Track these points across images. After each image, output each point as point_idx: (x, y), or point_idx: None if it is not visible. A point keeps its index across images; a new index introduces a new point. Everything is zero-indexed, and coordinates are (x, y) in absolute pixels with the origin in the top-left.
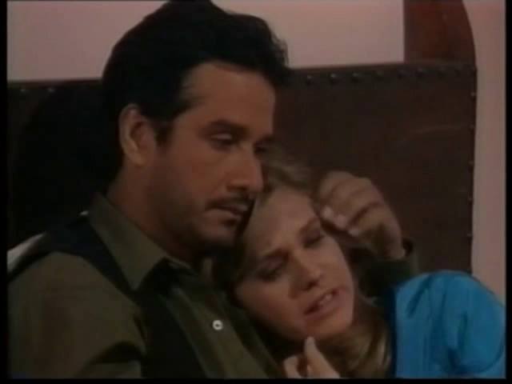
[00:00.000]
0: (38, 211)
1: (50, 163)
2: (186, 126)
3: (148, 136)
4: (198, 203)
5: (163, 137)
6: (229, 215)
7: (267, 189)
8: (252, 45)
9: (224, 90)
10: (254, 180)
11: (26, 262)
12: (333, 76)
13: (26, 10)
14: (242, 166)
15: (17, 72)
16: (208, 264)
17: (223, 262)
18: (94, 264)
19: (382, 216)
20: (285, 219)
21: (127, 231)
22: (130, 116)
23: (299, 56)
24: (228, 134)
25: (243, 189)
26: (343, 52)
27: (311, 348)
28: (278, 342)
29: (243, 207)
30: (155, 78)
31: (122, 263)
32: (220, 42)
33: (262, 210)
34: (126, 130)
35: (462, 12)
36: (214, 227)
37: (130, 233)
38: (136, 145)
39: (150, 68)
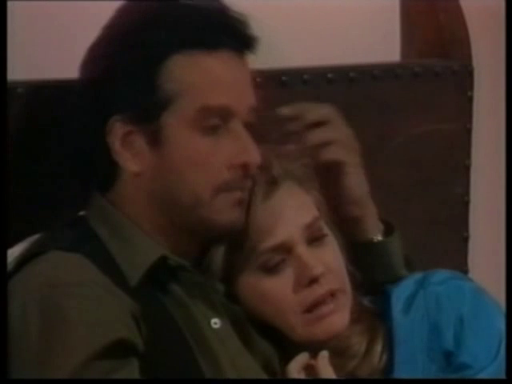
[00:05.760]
0: (38, 211)
1: (50, 163)
2: (172, 122)
3: (139, 142)
4: (204, 194)
5: (154, 139)
6: (237, 195)
7: (274, 182)
8: (214, 25)
9: (199, 75)
10: (252, 154)
11: (24, 260)
12: (329, 76)
13: (26, 10)
14: (237, 144)
15: (16, 72)
16: (215, 259)
17: (228, 254)
18: (92, 261)
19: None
20: (290, 214)
21: (126, 229)
22: (117, 128)
23: (296, 56)
24: (215, 118)
25: (244, 166)
26: (340, 52)
27: (324, 361)
28: (282, 342)
29: (248, 183)
30: (131, 84)
31: (121, 260)
32: (183, 31)
33: (268, 202)
34: (115, 142)
35: (458, 11)
36: (226, 212)
37: (129, 231)
38: (129, 154)
39: (124, 76)
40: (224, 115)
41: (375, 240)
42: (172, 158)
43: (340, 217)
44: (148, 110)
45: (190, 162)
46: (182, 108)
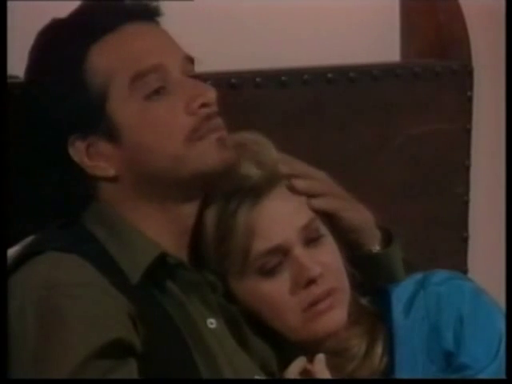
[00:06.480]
0: (38, 211)
1: (50, 163)
2: (117, 106)
3: (103, 147)
4: (178, 150)
5: (112, 134)
6: (214, 136)
7: (269, 185)
8: (109, 8)
9: (117, 54)
10: (204, 91)
11: (21, 260)
12: (329, 76)
13: (26, 10)
14: (186, 91)
15: (16, 72)
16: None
17: (224, 257)
18: (89, 261)
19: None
20: (286, 216)
21: (124, 228)
22: (77, 146)
23: (296, 56)
24: (153, 80)
25: (204, 105)
26: (340, 52)
27: (321, 365)
28: (280, 343)
29: (217, 120)
30: (67, 98)
31: (121, 259)
32: (88, 27)
33: (264, 205)
34: (83, 159)
35: (458, 11)
36: (211, 156)
37: (127, 230)
38: (100, 162)
39: (61, 93)
40: (161, 74)
41: (374, 251)
42: (133, 138)
43: (338, 230)
44: (92, 110)
45: (150, 130)
46: (118, 88)
